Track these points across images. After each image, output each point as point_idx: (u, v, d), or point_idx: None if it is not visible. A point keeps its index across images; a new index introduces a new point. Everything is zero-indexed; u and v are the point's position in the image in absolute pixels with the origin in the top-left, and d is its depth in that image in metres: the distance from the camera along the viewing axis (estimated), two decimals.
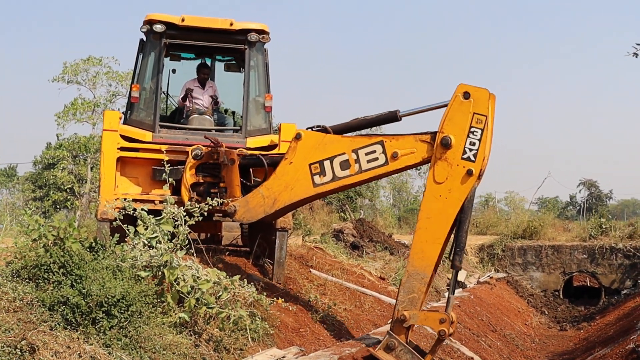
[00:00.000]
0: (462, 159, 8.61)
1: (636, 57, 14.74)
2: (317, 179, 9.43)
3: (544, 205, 70.52)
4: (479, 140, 8.57)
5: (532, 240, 25.83)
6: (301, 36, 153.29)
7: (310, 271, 13.09)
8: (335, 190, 9.96)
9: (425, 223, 8.76)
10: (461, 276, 19.61)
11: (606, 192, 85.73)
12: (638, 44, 14.71)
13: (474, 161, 8.58)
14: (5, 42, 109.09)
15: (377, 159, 9.14)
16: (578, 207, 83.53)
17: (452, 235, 8.90)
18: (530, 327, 19.02)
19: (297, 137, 9.56)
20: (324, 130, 9.66)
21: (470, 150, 8.60)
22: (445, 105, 8.79)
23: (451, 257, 8.90)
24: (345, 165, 9.28)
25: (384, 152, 9.09)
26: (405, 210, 54.27)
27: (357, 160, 9.21)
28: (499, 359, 13.60)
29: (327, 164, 9.36)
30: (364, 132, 10.56)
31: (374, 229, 20.56)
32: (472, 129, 8.59)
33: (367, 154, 9.17)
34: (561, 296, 24.60)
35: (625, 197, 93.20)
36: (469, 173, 8.56)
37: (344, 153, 9.29)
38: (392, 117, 9.51)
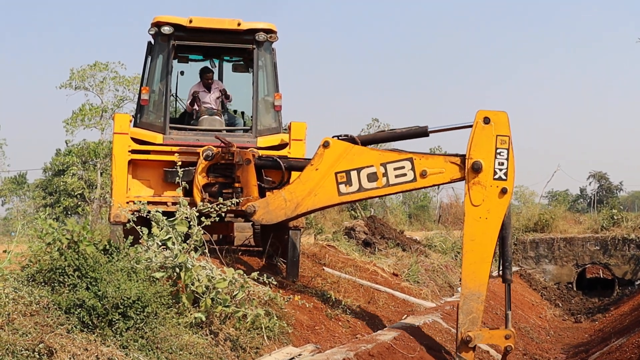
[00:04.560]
0: (495, 179, 9.08)
1: None
2: (342, 187, 9.61)
3: (554, 199, 70.47)
4: (507, 159, 9.05)
5: (543, 233, 25.68)
6: (311, 35, 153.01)
7: (324, 269, 13.09)
8: (360, 200, 10.30)
9: (471, 245, 9.19)
10: None
11: (616, 183, 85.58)
12: None
13: (506, 179, 9.07)
14: (12, 50, 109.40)
15: (405, 174, 9.44)
16: (588, 200, 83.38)
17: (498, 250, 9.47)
18: (544, 319, 18.94)
19: (325, 144, 9.70)
20: (351, 140, 9.84)
21: (501, 170, 9.08)
22: (471, 125, 9.18)
23: (500, 272, 9.44)
24: (372, 177, 9.50)
25: (412, 169, 9.41)
26: (415, 207, 54.25)
27: (385, 174, 9.47)
28: (514, 353, 13.55)
29: (354, 174, 9.55)
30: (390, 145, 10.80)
31: (386, 226, 20.49)
32: (498, 150, 9.07)
33: (395, 169, 9.46)
34: (574, 288, 24.48)
35: (635, 189, 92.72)
36: (504, 191, 9.06)
37: (372, 165, 9.51)
38: (422, 132, 9.78)
